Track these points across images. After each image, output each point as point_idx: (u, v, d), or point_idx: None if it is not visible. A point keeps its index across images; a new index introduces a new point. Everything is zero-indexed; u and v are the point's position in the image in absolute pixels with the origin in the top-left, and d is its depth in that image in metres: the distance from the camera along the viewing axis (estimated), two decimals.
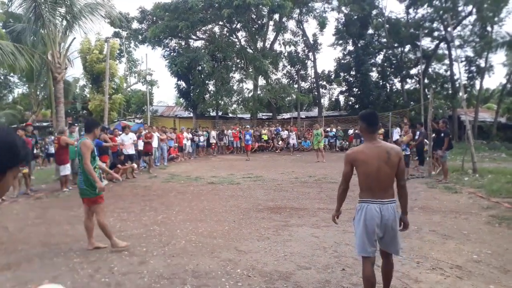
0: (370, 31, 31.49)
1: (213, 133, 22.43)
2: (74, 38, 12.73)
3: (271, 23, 29.22)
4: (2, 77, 29.67)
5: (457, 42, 26.79)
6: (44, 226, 6.54)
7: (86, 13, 11.86)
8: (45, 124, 28.99)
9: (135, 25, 29.38)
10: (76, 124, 15.10)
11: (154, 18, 27.90)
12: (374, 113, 3.48)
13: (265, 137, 24.21)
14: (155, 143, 15.15)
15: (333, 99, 36.80)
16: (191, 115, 30.23)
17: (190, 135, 20.13)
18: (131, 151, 12.95)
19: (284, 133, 24.42)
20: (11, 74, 27.40)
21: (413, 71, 31.31)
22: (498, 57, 42.46)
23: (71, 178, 10.79)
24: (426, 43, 29.15)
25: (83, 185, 5.14)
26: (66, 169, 10.23)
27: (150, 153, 14.25)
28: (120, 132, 13.57)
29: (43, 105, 29.39)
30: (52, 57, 11.84)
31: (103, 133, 11.97)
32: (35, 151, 11.88)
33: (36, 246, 5.38)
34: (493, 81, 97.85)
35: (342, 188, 3.44)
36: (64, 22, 12.18)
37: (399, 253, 3.39)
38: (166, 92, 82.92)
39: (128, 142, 12.94)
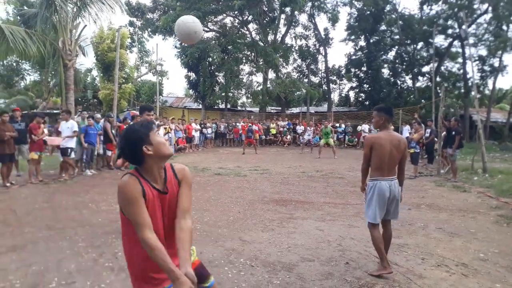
0: (383, 27, 31.11)
1: (254, 127, 20.22)
2: (85, 25, 12.76)
3: (283, 16, 29.02)
4: (14, 64, 29.95)
5: (471, 41, 26.36)
6: (51, 211, 6.60)
7: (95, 0, 11.89)
8: (55, 111, 29.24)
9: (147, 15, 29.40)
10: (86, 112, 15.11)
11: (166, 8, 27.87)
12: (391, 107, 4.41)
13: (273, 131, 24.15)
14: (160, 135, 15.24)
15: (343, 95, 36.55)
16: (200, 106, 30.26)
17: (198, 127, 20.17)
18: (69, 143, 9.92)
19: (300, 128, 24.05)
20: (23, 61, 27.64)
21: (425, 69, 30.93)
22: None
23: (78, 165, 10.89)
24: (440, 40, 28.75)
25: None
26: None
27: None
28: (129, 120, 13.59)
29: (54, 92, 29.64)
30: (63, 44, 11.89)
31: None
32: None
33: (42, 229, 5.43)
34: (506, 81, 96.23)
35: (365, 166, 4.16)
36: (75, 9, 12.21)
37: (398, 218, 4.20)
38: (176, 83, 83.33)
39: (65, 133, 9.97)
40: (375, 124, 4.25)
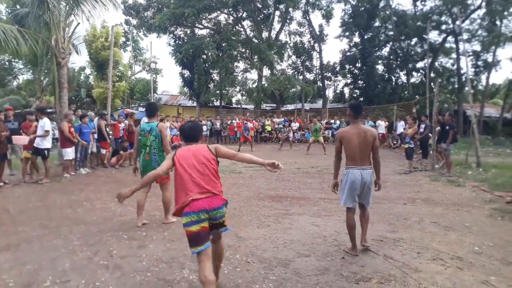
0: (377, 23, 31.16)
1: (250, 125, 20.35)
2: (78, 23, 12.60)
3: (277, 13, 28.95)
4: (6, 63, 29.66)
5: (465, 36, 26.45)
6: (45, 209, 6.55)
7: None
8: (49, 110, 28.98)
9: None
10: (80, 110, 14.98)
11: (160, 5, 27.70)
12: (360, 105, 4.59)
13: (268, 128, 24.13)
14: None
15: (338, 91, 36.56)
16: (195, 104, 30.18)
17: None
18: (44, 143, 9.13)
19: (295, 125, 24.10)
20: (16, 60, 27.38)
21: (420, 65, 31.03)
22: (506, 52, 42.02)
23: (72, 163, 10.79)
24: (434, 36, 28.83)
25: (156, 165, 5.36)
26: (70, 154, 10.20)
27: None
28: (123, 118, 13.53)
29: (47, 91, 29.39)
30: (56, 42, 11.77)
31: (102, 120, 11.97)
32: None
33: (36, 228, 5.39)
34: (500, 76, 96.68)
35: (336, 158, 4.53)
36: (68, 7, 12.09)
37: (370, 205, 4.49)
38: (170, 82, 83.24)
39: (38, 132, 9.13)
40: (348, 119, 4.66)
